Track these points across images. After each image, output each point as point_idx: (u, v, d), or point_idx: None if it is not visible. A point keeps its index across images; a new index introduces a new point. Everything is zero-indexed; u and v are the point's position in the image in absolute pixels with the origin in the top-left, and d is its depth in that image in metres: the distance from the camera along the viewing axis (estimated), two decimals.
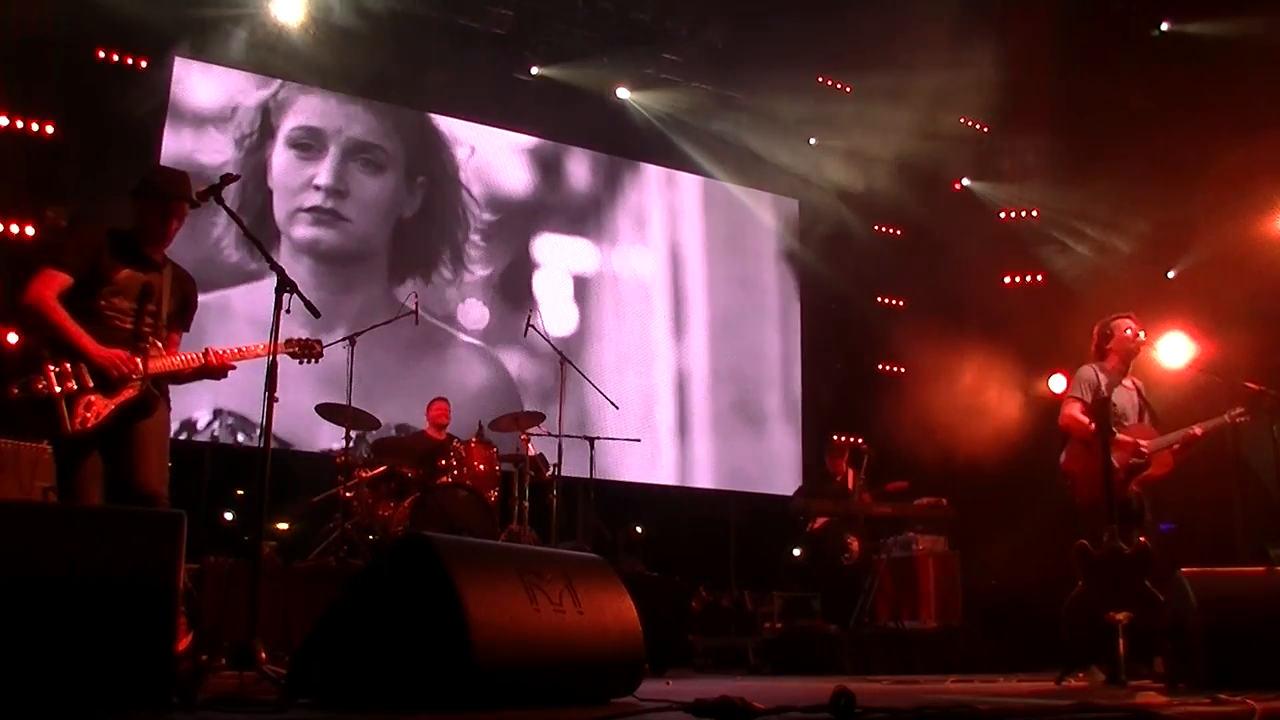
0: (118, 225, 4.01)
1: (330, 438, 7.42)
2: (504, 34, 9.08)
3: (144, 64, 7.98)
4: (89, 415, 3.69)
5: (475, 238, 9.32)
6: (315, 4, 8.36)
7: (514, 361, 9.12)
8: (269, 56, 8.41)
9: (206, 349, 4.00)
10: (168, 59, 8.14)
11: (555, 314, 9.41)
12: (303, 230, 8.55)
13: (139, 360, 3.83)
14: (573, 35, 9.31)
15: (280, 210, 8.49)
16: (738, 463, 10.08)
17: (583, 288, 9.65)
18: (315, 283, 8.43)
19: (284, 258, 8.31)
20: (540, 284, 9.47)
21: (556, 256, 9.60)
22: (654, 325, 9.96)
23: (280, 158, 8.59)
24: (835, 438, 8.84)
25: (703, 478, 9.91)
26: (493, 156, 9.48)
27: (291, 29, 8.35)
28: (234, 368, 4.05)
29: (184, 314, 4.16)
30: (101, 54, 7.79)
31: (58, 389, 3.65)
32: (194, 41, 8.14)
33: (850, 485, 7.94)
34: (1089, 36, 8.81)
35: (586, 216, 9.84)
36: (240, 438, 7.79)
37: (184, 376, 4.04)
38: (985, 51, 8.42)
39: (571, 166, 9.84)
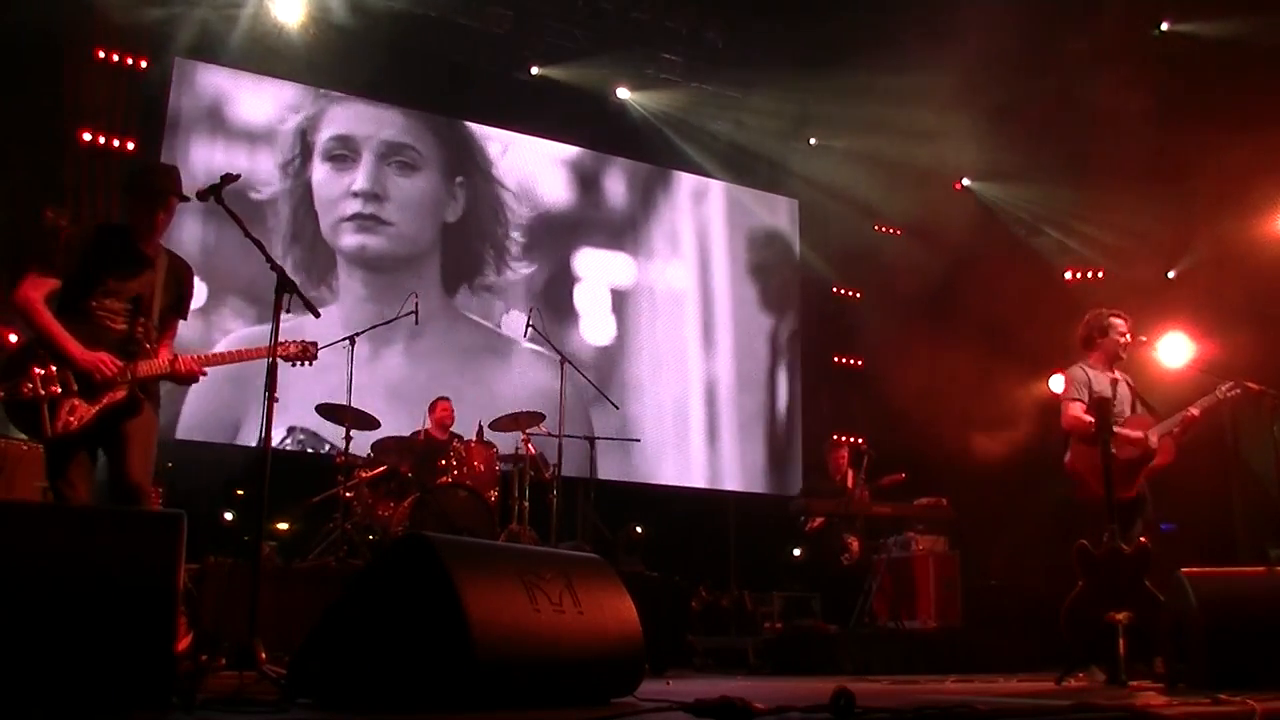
0: (110, 221, 4.03)
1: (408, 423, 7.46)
2: (504, 34, 9.08)
3: (144, 64, 7.98)
4: (71, 419, 3.75)
5: (515, 234, 9.41)
6: (315, 4, 8.36)
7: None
8: (269, 57, 8.41)
9: (175, 356, 4.02)
10: (168, 59, 8.14)
11: (556, 313, 9.41)
12: (348, 239, 8.62)
13: (125, 364, 3.86)
14: (573, 35, 9.30)
15: (325, 224, 8.57)
16: (738, 462, 10.07)
17: (583, 286, 9.65)
18: (369, 294, 8.53)
19: (340, 272, 8.51)
20: (542, 283, 9.47)
21: (554, 254, 9.60)
22: (654, 325, 9.94)
23: (319, 173, 8.66)
24: (834, 436, 8.84)
25: (703, 478, 9.91)
26: (491, 156, 9.49)
27: (291, 29, 8.34)
28: (204, 373, 4.05)
29: (179, 304, 4.19)
30: (101, 54, 7.79)
31: (41, 393, 3.71)
32: (194, 41, 8.13)
33: (850, 483, 7.95)
34: (1089, 36, 8.80)
35: (585, 215, 9.84)
36: (308, 450, 7.94)
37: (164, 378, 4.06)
38: (986, 51, 8.42)
39: (571, 166, 9.83)
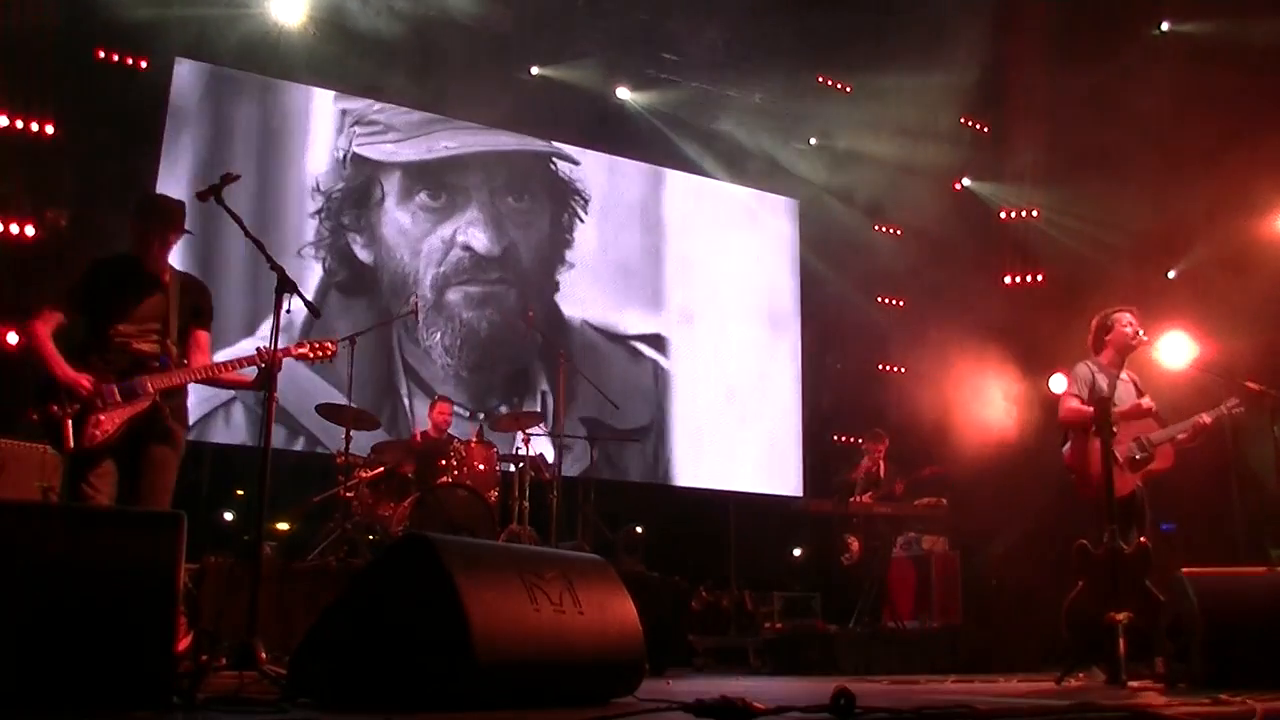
0: (114, 251, 4.26)
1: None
2: (504, 34, 9.07)
3: (144, 64, 7.98)
4: (96, 433, 3.94)
5: (514, 233, 9.42)
6: (315, 4, 8.36)
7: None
8: (269, 57, 8.41)
9: (258, 348, 4.10)
10: (168, 59, 8.14)
11: (556, 313, 9.41)
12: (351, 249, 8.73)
13: (114, 385, 3.99)
14: (573, 35, 9.30)
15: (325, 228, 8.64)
16: (738, 462, 10.07)
17: (580, 287, 9.64)
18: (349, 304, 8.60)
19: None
20: (540, 284, 9.47)
21: (553, 256, 9.60)
22: (655, 326, 9.94)
23: (319, 170, 8.72)
24: (876, 429, 8.69)
25: (703, 478, 9.90)
26: (492, 156, 9.49)
27: (291, 29, 8.35)
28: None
29: (199, 318, 4.33)
30: (101, 54, 7.79)
31: (68, 410, 3.93)
32: (194, 41, 8.13)
33: (883, 474, 7.94)
34: (1089, 36, 8.80)
35: (587, 216, 9.83)
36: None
37: (229, 383, 4.27)
38: (986, 51, 8.42)
39: (571, 166, 9.83)
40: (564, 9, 9.12)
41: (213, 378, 4.20)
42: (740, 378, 10.25)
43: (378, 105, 8.95)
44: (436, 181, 9.10)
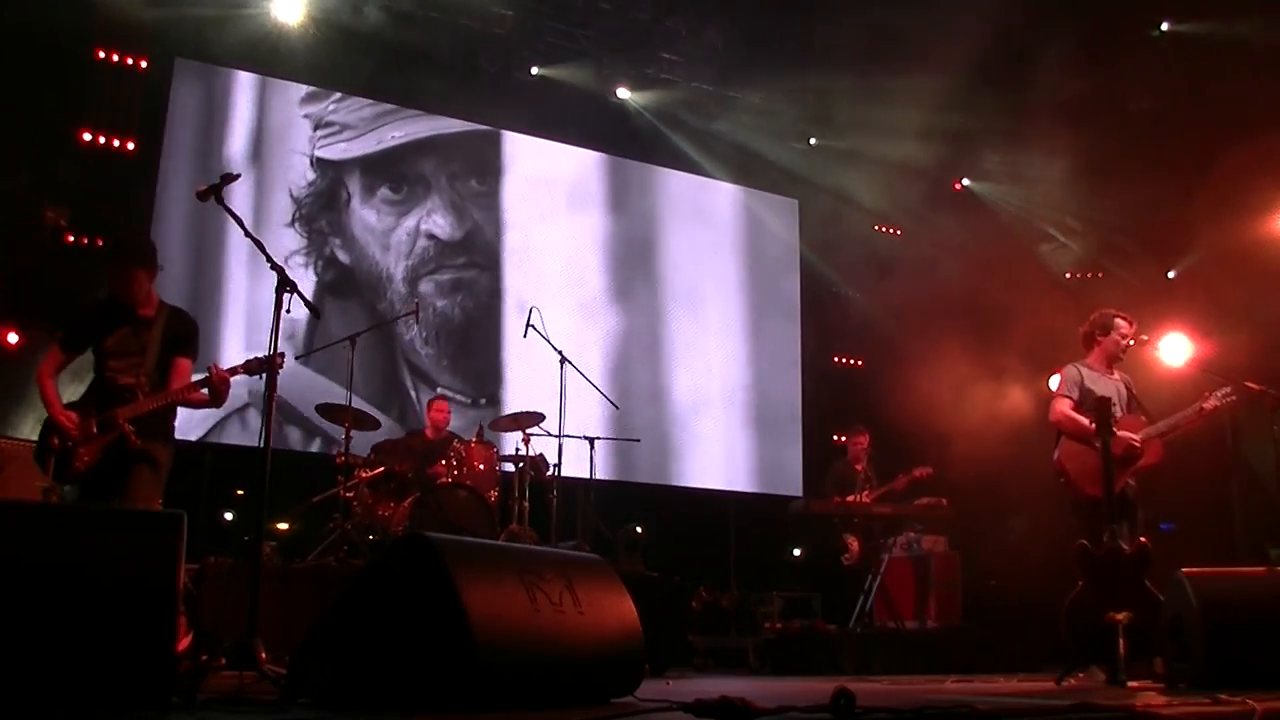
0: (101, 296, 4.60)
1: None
2: (504, 34, 9.08)
3: (144, 64, 7.98)
4: (79, 464, 4.29)
5: (515, 234, 9.40)
6: (315, 4, 8.36)
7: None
8: (269, 57, 8.42)
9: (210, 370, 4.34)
10: (168, 59, 8.14)
11: (556, 312, 9.39)
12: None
13: (102, 413, 4.28)
14: (573, 35, 9.30)
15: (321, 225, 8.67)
16: (738, 462, 10.07)
17: (580, 288, 9.64)
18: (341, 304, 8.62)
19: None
20: (542, 285, 9.45)
21: (556, 256, 9.59)
22: (653, 325, 9.94)
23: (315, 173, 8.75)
24: (859, 424, 8.71)
25: (703, 478, 9.90)
26: (493, 157, 9.48)
27: (291, 28, 8.35)
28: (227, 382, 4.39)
29: (180, 347, 4.50)
30: (101, 54, 7.79)
31: (55, 444, 4.31)
32: (194, 41, 8.13)
33: (866, 471, 7.94)
34: (1089, 36, 8.81)
35: (586, 216, 9.83)
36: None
37: (191, 403, 4.47)
38: (985, 52, 8.42)
39: (571, 166, 9.83)
40: (564, 9, 9.12)
41: (173, 401, 4.41)
42: (740, 377, 10.24)
43: (332, 105, 8.87)
44: (395, 174, 9.05)
